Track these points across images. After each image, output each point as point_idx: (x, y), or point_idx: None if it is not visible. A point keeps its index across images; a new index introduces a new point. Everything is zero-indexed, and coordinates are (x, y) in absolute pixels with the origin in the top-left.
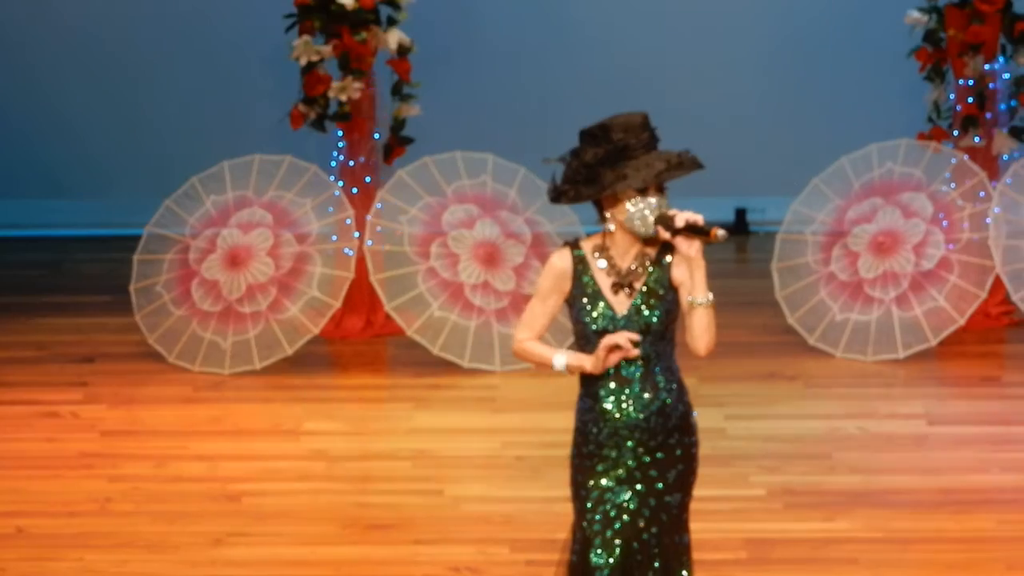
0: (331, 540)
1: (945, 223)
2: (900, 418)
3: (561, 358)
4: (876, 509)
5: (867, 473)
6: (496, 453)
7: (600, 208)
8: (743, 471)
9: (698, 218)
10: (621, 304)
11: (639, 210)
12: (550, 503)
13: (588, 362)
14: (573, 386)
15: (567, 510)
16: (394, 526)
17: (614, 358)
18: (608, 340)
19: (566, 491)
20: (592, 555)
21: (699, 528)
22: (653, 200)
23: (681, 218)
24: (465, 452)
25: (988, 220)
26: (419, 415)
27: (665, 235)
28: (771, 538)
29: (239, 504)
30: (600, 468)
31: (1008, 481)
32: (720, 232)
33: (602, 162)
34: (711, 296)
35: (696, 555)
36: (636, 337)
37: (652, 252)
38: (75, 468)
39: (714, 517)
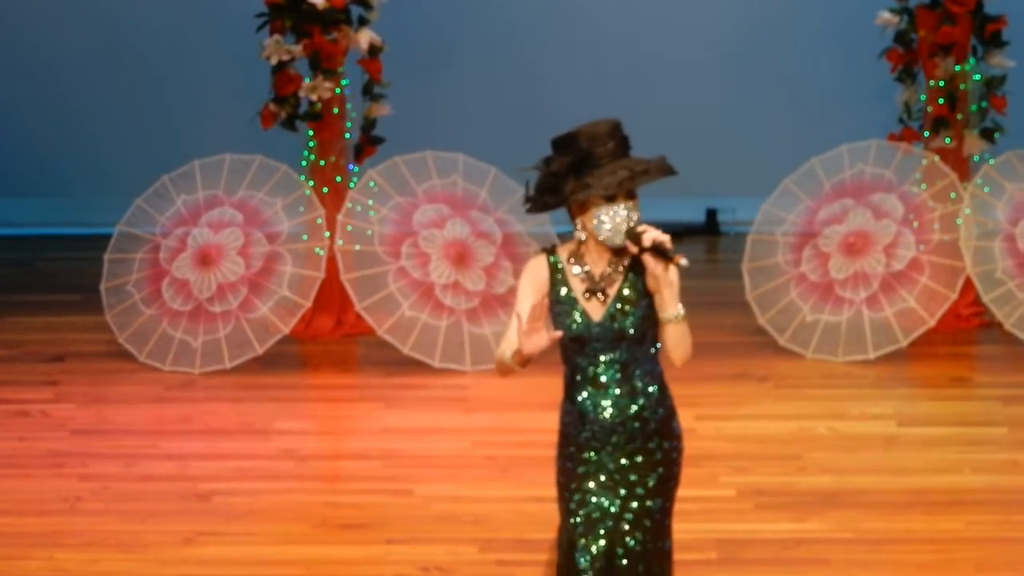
0: (301, 539)
1: (916, 224)
2: (870, 419)
3: (508, 352)
4: (847, 510)
5: (838, 474)
6: (466, 453)
7: (572, 216)
8: (713, 471)
9: (664, 239)
10: (596, 310)
11: (607, 219)
12: (520, 503)
13: (519, 344)
14: (543, 386)
15: (537, 510)
16: (364, 525)
17: (538, 340)
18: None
19: (536, 491)
20: (577, 557)
21: None
22: (621, 209)
23: (648, 237)
24: (435, 452)
25: (959, 221)
26: (389, 415)
27: (633, 249)
28: (741, 538)
29: (209, 503)
30: (581, 471)
31: (978, 482)
32: (683, 261)
33: (568, 171)
34: (681, 311)
35: None
36: (557, 335)
37: (627, 258)
38: (45, 467)
39: (684, 518)
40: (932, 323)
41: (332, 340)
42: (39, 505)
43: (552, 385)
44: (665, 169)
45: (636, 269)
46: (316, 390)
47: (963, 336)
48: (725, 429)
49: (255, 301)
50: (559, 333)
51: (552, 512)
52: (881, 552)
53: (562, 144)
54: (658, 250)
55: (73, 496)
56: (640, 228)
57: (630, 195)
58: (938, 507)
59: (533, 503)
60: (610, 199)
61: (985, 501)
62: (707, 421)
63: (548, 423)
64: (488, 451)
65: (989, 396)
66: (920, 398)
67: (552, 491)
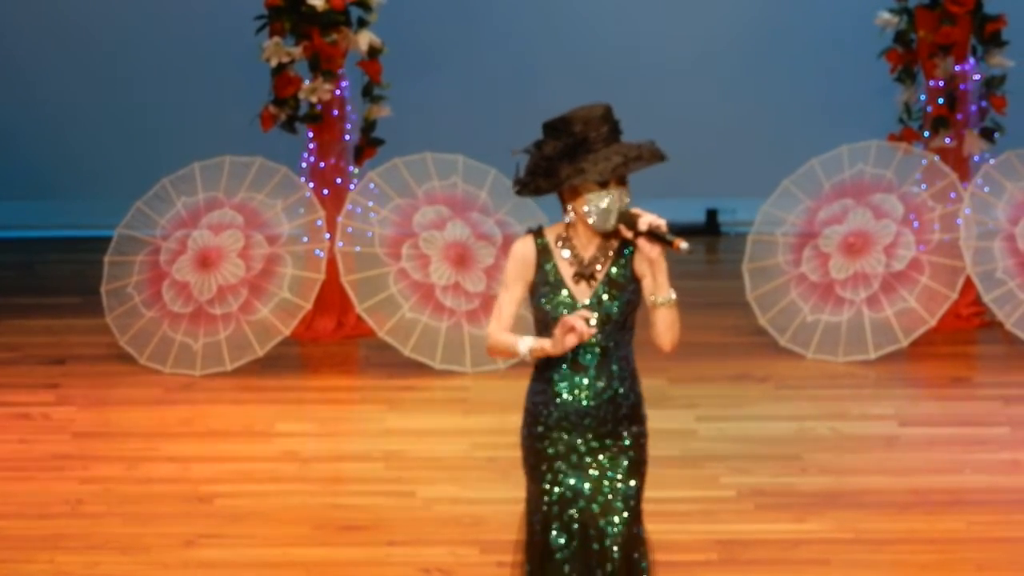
0: (303, 541)
1: (916, 224)
2: (871, 419)
3: (525, 343)
4: (847, 510)
5: (838, 474)
6: (467, 454)
7: (563, 201)
8: (714, 472)
9: (661, 223)
10: (582, 293)
11: (598, 204)
12: (520, 504)
13: (548, 344)
14: None
15: None
16: (366, 527)
17: (571, 339)
18: (566, 320)
19: None
20: (552, 535)
21: (669, 529)
22: (613, 194)
23: (644, 221)
24: (436, 453)
25: (959, 221)
26: (391, 416)
27: (627, 234)
28: (742, 539)
29: (211, 506)
30: (551, 451)
31: (979, 482)
32: (683, 245)
33: (561, 155)
34: (673, 295)
35: (666, 556)
36: (591, 315)
37: (615, 243)
38: (47, 470)
39: (684, 518)
40: (932, 323)
41: (333, 342)
42: (40, 508)
43: None
44: (657, 154)
45: (624, 254)
46: (317, 392)
47: (964, 336)
48: (726, 430)
49: (255, 303)
50: (593, 320)
51: None
52: (882, 552)
53: (555, 128)
54: (655, 234)
55: (74, 499)
56: (635, 211)
57: (621, 180)
58: (939, 507)
59: None
60: (602, 184)
61: (986, 501)
62: (708, 422)
63: None
64: (489, 453)
65: (990, 396)
66: (921, 398)
67: None
